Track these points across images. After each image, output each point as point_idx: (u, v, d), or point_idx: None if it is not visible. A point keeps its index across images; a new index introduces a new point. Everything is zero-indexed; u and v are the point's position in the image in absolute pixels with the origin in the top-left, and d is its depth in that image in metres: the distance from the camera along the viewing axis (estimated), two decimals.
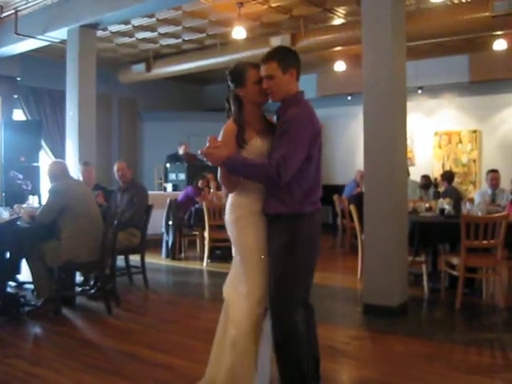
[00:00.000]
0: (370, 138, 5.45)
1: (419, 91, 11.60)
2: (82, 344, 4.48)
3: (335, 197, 10.41)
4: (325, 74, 12.57)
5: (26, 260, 5.46)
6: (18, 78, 10.85)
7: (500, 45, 9.00)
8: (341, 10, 8.68)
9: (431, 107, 12.14)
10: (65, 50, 8.37)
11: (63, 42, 8.49)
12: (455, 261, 5.68)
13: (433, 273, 6.45)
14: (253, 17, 8.77)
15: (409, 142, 8.87)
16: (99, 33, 8.82)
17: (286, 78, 2.99)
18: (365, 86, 5.49)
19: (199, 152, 2.96)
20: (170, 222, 8.78)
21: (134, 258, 6.80)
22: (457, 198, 7.09)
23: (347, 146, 12.85)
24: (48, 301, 5.26)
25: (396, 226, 5.33)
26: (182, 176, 11.36)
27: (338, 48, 9.49)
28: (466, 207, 5.99)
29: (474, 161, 11.64)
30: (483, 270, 5.93)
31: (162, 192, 11.45)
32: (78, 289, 6.17)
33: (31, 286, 5.65)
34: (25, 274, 6.08)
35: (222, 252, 8.46)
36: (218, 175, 3.10)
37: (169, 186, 11.52)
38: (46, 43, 8.83)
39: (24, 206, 5.93)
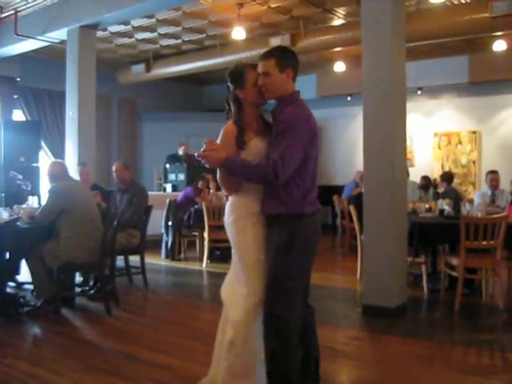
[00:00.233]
0: (369, 138, 5.45)
1: (419, 92, 11.60)
2: (81, 344, 4.48)
3: (335, 197, 10.42)
4: (324, 75, 12.57)
5: (26, 260, 5.46)
6: (18, 79, 10.85)
7: (499, 46, 9.01)
8: (341, 11, 8.68)
9: (431, 108, 12.15)
10: (64, 50, 8.38)
11: (63, 42, 8.49)
12: (455, 261, 5.68)
13: (432, 273, 6.45)
14: (252, 17, 8.77)
15: (408, 142, 8.89)
16: (99, 33, 8.83)
17: (282, 77, 2.99)
18: (364, 86, 5.50)
19: (196, 155, 2.96)
20: (170, 223, 8.78)
21: (134, 259, 6.80)
22: (456, 198, 7.09)
23: (347, 147, 12.85)
24: (47, 301, 5.27)
25: (395, 227, 5.33)
26: (182, 176, 11.36)
27: (338, 48, 9.49)
28: (465, 208, 5.99)
29: (474, 162, 11.64)
30: (483, 271, 5.93)
31: (162, 192, 11.45)
32: (78, 289, 6.16)
33: (31, 287, 5.65)
34: (24, 274, 6.08)
35: (221, 253, 8.46)
36: (218, 177, 3.10)
37: (168, 187, 11.51)
38: (46, 44, 8.84)
39: (23, 206, 5.93)
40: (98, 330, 4.93)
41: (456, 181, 9.81)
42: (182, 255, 9.02)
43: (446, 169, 11.49)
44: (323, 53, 10.23)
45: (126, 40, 10.42)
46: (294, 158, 2.88)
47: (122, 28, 9.53)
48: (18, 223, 5.40)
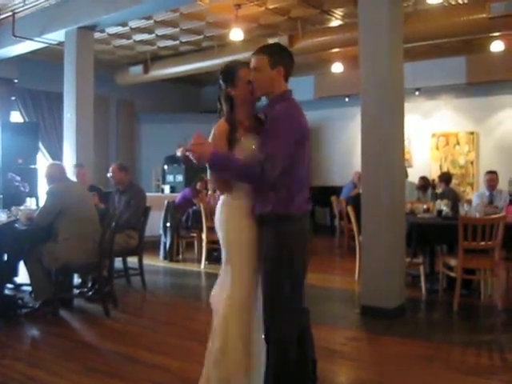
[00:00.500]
0: (367, 139, 5.46)
1: (416, 93, 11.61)
2: (79, 346, 4.48)
3: (333, 198, 10.43)
4: (322, 76, 12.57)
5: (24, 262, 5.46)
6: (16, 80, 10.85)
7: (497, 46, 9.02)
8: (338, 12, 8.69)
9: (429, 108, 12.15)
10: (62, 51, 8.37)
11: (61, 43, 8.50)
12: (453, 262, 5.68)
13: (430, 274, 6.46)
14: (250, 18, 8.78)
15: (406, 143, 8.89)
16: (97, 35, 8.83)
17: (272, 74, 2.94)
18: (362, 87, 5.50)
19: (182, 149, 2.91)
20: (168, 224, 8.78)
21: (132, 260, 6.79)
22: (454, 199, 7.09)
23: (345, 148, 12.85)
24: (46, 303, 5.26)
25: (394, 228, 5.34)
26: (180, 178, 11.37)
27: (336, 49, 9.48)
28: (463, 208, 6.00)
29: (472, 162, 11.65)
30: (481, 272, 5.93)
31: (160, 194, 11.47)
32: (76, 291, 6.16)
33: (29, 288, 5.64)
34: (22, 275, 6.08)
35: (219, 254, 8.33)
36: (208, 175, 3.07)
37: (166, 188, 11.52)
38: (44, 45, 8.83)
39: (22, 208, 5.93)
40: (97, 332, 4.92)
41: (454, 181, 9.79)
42: (181, 256, 9.02)
43: (444, 169, 11.49)
44: (321, 54, 10.23)
45: (123, 41, 10.42)
46: (282, 157, 2.81)
47: (119, 29, 9.53)
48: (16, 225, 5.39)
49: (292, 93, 3.03)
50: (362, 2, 5.50)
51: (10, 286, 6.14)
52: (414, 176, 9.83)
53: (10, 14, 8.47)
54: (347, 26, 8.74)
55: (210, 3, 8.10)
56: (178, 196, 9.40)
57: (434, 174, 11.15)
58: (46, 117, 11.45)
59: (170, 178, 11.64)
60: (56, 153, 10.88)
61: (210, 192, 8.98)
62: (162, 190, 11.74)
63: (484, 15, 7.32)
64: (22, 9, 8.38)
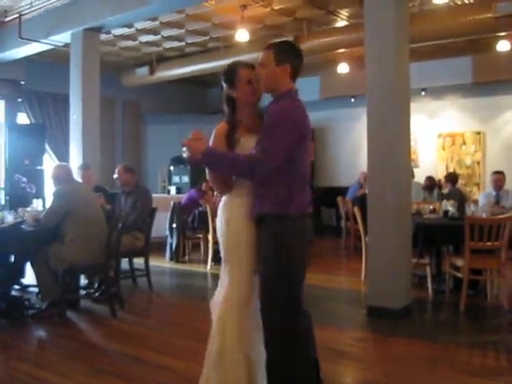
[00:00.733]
0: (373, 139, 5.45)
1: (422, 93, 11.58)
2: (86, 347, 4.50)
3: (339, 199, 10.41)
4: (328, 76, 12.56)
5: (31, 263, 5.48)
6: (22, 82, 10.89)
7: (503, 46, 9.00)
8: (344, 13, 8.68)
9: (435, 109, 12.12)
10: (68, 53, 8.41)
11: (67, 45, 8.52)
12: (459, 262, 5.66)
13: (437, 275, 6.44)
14: (256, 19, 8.78)
15: (412, 143, 8.88)
16: (103, 36, 8.86)
17: (277, 71, 2.91)
18: (368, 87, 5.50)
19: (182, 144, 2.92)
20: (174, 225, 8.79)
21: (138, 261, 6.80)
22: (461, 199, 7.08)
23: (351, 148, 12.83)
24: (52, 304, 5.28)
25: (400, 228, 5.33)
26: (186, 179, 11.38)
27: (342, 50, 9.48)
28: (470, 209, 5.99)
29: (478, 162, 11.61)
30: (487, 272, 5.90)
31: (166, 195, 11.48)
32: (83, 292, 6.17)
33: (36, 289, 5.67)
34: (29, 277, 6.10)
35: None
36: (207, 175, 3.07)
37: (172, 189, 11.54)
38: (50, 47, 8.88)
39: (28, 209, 5.95)
40: (103, 333, 4.94)
41: (460, 182, 9.76)
42: (187, 257, 9.04)
43: (451, 170, 11.46)
44: (327, 54, 10.21)
45: (129, 43, 10.44)
46: (279, 153, 2.79)
47: (125, 31, 9.55)
48: (23, 226, 5.42)
49: (298, 92, 3.00)
50: (367, 3, 5.50)
51: (16, 287, 6.18)
52: (420, 176, 9.81)
53: (17, 16, 8.50)
54: (353, 27, 8.73)
55: (215, 4, 8.11)
56: (183, 197, 9.41)
57: (440, 175, 11.12)
58: (52, 118, 11.49)
59: (175, 179, 11.65)
60: (62, 154, 10.91)
61: (215, 193, 8.98)
62: (168, 191, 11.75)
63: (490, 15, 7.29)
64: (28, 11, 8.41)
